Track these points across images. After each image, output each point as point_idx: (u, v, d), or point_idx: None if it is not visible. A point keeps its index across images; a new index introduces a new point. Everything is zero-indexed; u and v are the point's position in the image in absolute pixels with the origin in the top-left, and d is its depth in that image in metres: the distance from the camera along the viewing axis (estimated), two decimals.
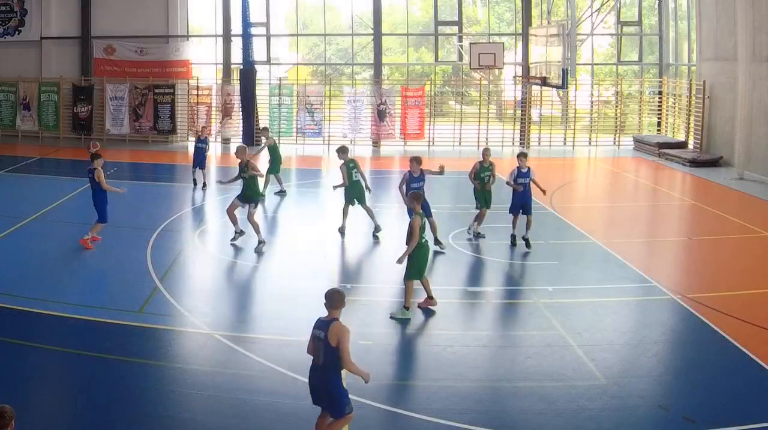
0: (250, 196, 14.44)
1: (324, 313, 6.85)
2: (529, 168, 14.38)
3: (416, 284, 10.90)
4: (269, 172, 19.29)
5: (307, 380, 6.99)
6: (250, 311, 11.49)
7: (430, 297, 11.15)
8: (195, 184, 20.29)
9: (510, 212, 14.45)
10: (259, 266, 13.66)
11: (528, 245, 14.16)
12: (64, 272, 12.89)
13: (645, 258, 14.25)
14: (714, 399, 8.29)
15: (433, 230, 14.17)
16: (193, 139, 29.15)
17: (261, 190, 19.03)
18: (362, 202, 15.57)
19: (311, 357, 6.86)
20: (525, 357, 9.59)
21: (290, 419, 7.85)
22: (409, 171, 14.33)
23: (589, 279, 12.61)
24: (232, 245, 14.44)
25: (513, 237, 14.49)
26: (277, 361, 9.20)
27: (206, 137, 20.73)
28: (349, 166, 15.43)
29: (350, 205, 15.45)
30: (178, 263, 13.63)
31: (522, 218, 14.38)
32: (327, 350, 6.63)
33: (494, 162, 15.22)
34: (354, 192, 15.44)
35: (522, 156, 14.55)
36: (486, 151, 15.30)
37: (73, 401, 8.27)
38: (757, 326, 10.37)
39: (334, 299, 6.79)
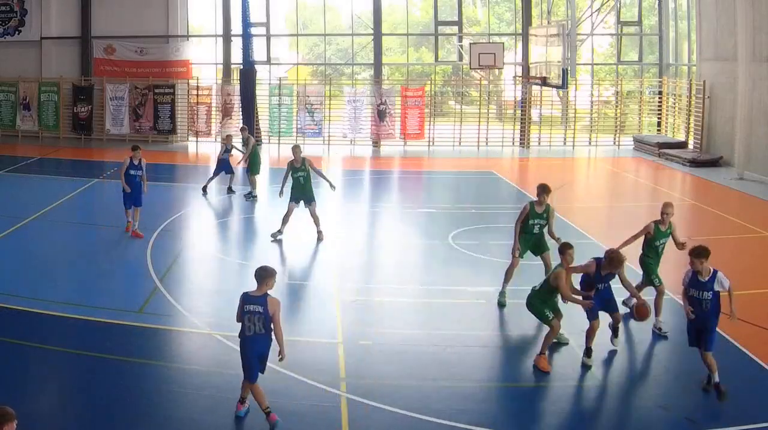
0: (308, 196, 14.89)
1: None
2: (715, 273, 8.44)
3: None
4: (251, 173, 19.21)
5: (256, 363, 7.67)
6: None
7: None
8: (232, 191, 19.46)
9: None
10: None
11: (720, 394, 8.32)
12: (65, 272, 12.90)
13: None
14: (714, 399, 8.27)
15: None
16: (194, 139, 29.51)
17: (253, 192, 19.02)
18: (539, 251, 11.71)
19: (241, 325, 7.69)
20: (525, 357, 9.58)
21: (291, 419, 7.85)
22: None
23: None
24: (272, 241, 14.68)
25: (715, 382, 8.42)
26: (277, 361, 9.17)
27: (232, 146, 19.91)
28: (532, 215, 11.44)
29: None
30: (178, 263, 13.63)
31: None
32: (267, 319, 7.56)
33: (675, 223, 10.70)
34: (527, 244, 11.59)
35: (699, 254, 8.48)
36: (666, 210, 10.54)
37: (73, 401, 8.27)
38: (757, 326, 10.37)
39: (266, 275, 7.67)
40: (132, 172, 14.95)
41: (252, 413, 7.93)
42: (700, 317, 8.47)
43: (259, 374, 7.75)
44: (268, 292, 7.67)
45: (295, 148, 15.14)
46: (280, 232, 14.78)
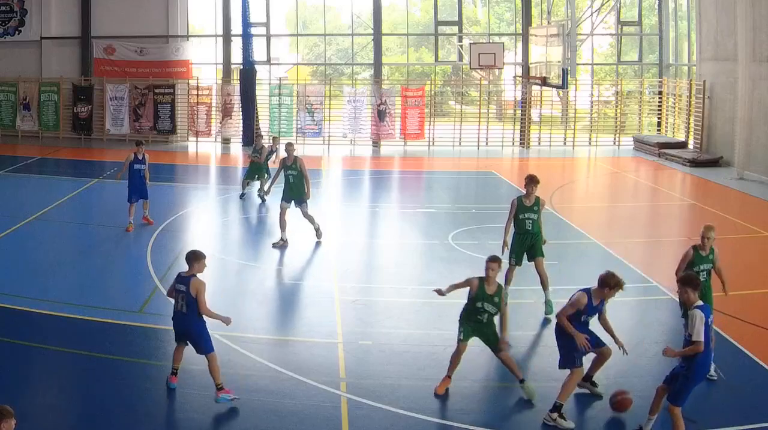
0: (299, 196, 14.45)
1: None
2: (698, 307, 7.17)
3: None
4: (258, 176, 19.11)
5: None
6: (250, 311, 11.47)
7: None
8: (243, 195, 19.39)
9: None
10: (259, 266, 13.65)
11: None
12: (64, 272, 12.89)
13: (645, 258, 14.25)
14: (714, 399, 8.28)
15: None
16: (194, 139, 29.52)
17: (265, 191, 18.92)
18: None
19: (173, 302, 8.28)
20: (525, 357, 9.58)
21: (291, 419, 7.85)
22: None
23: (588, 279, 12.54)
24: (273, 247, 14.38)
25: None
26: (277, 361, 9.20)
27: (272, 149, 19.81)
28: (521, 209, 11.19)
29: None
30: (178, 263, 13.61)
31: None
32: (189, 300, 8.01)
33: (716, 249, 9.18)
34: (522, 245, 11.35)
35: (685, 283, 7.35)
36: (707, 234, 8.97)
37: (73, 401, 8.27)
38: (757, 326, 10.37)
39: (194, 258, 8.15)
40: (136, 166, 15.64)
41: (252, 412, 7.94)
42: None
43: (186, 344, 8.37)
44: (197, 274, 8.10)
45: (289, 146, 14.80)
46: (282, 240, 14.42)
